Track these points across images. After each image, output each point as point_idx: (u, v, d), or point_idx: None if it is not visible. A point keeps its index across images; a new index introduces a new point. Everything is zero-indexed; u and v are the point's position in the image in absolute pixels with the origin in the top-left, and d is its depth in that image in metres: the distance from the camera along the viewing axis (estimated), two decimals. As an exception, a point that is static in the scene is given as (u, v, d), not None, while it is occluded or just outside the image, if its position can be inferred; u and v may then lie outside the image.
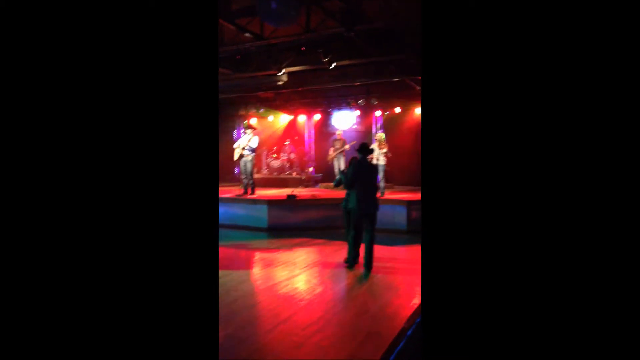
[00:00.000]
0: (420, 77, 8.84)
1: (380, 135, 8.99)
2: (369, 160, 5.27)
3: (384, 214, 6.98)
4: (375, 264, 5.12)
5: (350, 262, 5.11)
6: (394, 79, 9.16)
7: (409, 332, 3.17)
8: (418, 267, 5.01)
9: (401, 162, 10.58)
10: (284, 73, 8.34)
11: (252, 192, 8.55)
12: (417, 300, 3.87)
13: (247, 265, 5.38)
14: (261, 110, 12.85)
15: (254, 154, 8.49)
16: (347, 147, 10.19)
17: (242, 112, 13.01)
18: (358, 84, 10.13)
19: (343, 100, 11.86)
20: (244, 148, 8.36)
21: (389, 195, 8.55)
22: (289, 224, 7.77)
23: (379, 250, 5.51)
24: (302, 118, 13.19)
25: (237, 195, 8.36)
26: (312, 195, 8.84)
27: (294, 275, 4.83)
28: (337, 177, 5.60)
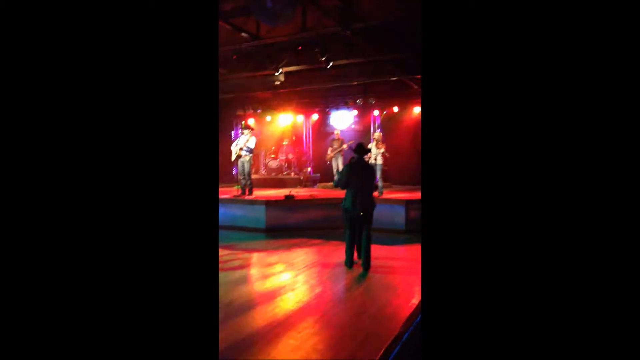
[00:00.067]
0: (418, 76, 8.83)
1: (378, 134, 8.96)
2: (366, 160, 5.24)
3: (382, 214, 6.97)
4: (373, 263, 5.09)
5: (348, 262, 5.07)
6: (392, 78, 9.14)
7: (408, 333, 3.13)
8: (417, 266, 5.02)
9: (399, 162, 10.56)
10: (281, 73, 8.31)
11: (250, 193, 8.50)
12: (415, 300, 3.84)
13: (244, 266, 5.33)
14: (259, 111, 12.81)
15: (251, 154, 8.45)
16: (345, 146, 10.16)
17: (239, 113, 12.98)
18: (356, 83, 10.11)
19: (341, 100, 11.83)
20: (241, 149, 8.32)
21: (387, 194, 8.52)
22: (287, 225, 7.73)
23: (378, 250, 5.47)
24: (300, 118, 13.15)
25: (234, 196, 8.31)
26: (311, 195, 8.80)
27: (292, 276, 4.79)
28: (336, 177, 5.57)
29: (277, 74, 8.27)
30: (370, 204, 5.04)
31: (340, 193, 5.24)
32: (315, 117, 12.93)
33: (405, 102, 11.36)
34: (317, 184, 11.77)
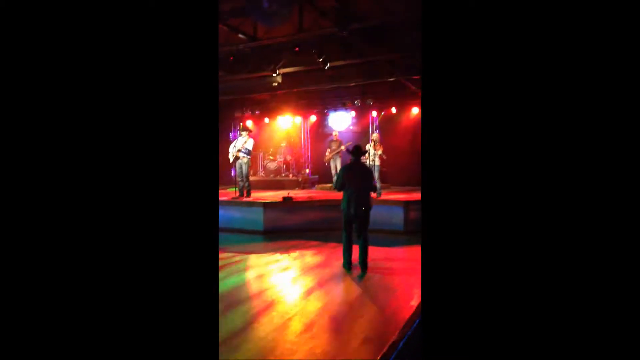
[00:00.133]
0: (416, 77, 8.80)
1: (376, 135, 8.93)
2: (363, 161, 5.21)
3: (381, 215, 6.94)
4: (372, 265, 5.06)
5: (346, 264, 5.03)
6: (390, 78, 9.11)
7: (406, 337, 3.09)
8: (416, 268, 4.99)
9: (398, 163, 10.52)
10: (278, 74, 8.28)
11: (248, 195, 8.46)
12: (414, 302, 3.80)
13: (241, 269, 5.29)
14: (257, 112, 12.78)
15: (249, 156, 8.41)
16: (343, 148, 10.12)
17: (237, 114, 12.94)
18: (353, 84, 10.08)
19: (339, 101, 11.80)
20: (239, 150, 8.27)
21: (385, 195, 8.48)
22: (286, 227, 7.68)
23: (376, 251, 5.44)
24: (298, 119, 13.12)
25: (232, 198, 8.26)
26: (309, 197, 8.76)
27: (289, 279, 4.75)
28: (334, 178, 5.55)
29: (274, 75, 8.23)
30: (367, 205, 5.01)
31: (339, 195, 5.21)
32: (313, 118, 12.89)
33: (403, 103, 11.33)
34: (316, 186, 11.73)
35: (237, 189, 8.47)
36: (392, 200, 7.84)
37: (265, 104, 12.73)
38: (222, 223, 7.60)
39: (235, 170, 8.65)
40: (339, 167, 9.92)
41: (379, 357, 2.78)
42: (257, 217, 7.68)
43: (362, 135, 11.72)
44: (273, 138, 13.24)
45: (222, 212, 7.81)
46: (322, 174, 12.07)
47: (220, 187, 10.58)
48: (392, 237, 6.96)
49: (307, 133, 13.32)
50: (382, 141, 8.93)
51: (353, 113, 12.12)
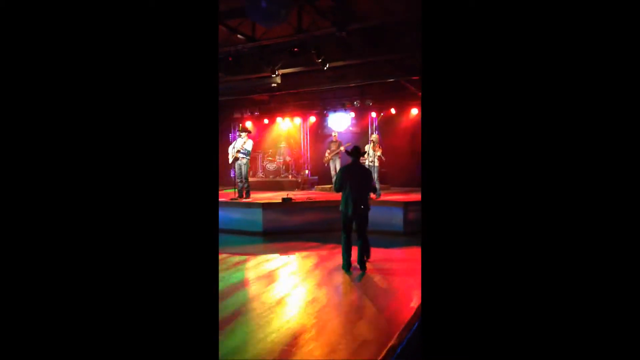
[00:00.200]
0: (415, 78, 8.78)
1: (375, 136, 8.90)
2: (362, 162, 5.19)
3: (380, 216, 6.91)
4: (371, 266, 5.03)
5: (345, 265, 5.00)
6: (389, 79, 9.09)
7: (406, 340, 3.06)
8: (415, 269, 4.96)
9: (397, 163, 10.50)
10: (277, 75, 8.25)
11: (247, 196, 8.43)
12: (414, 304, 3.77)
13: (240, 270, 5.26)
14: (256, 113, 12.75)
15: (248, 157, 8.38)
16: (342, 149, 10.09)
17: (236, 115, 12.93)
18: (353, 85, 10.07)
19: (338, 102, 11.79)
20: (238, 151, 8.25)
21: (385, 196, 8.45)
22: (285, 228, 7.65)
23: (376, 253, 5.41)
24: (297, 120, 13.10)
25: (231, 199, 8.24)
26: (308, 197, 8.73)
27: (287, 281, 4.72)
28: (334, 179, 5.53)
29: (273, 76, 8.21)
30: (366, 206, 4.98)
31: (338, 196, 5.19)
32: (312, 119, 12.87)
33: (402, 104, 11.31)
34: (315, 187, 11.70)
35: (236, 189, 8.44)
36: (391, 201, 7.81)
37: (265, 105, 12.71)
38: (221, 224, 7.52)
39: (235, 171, 8.63)
40: (338, 168, 9.89)
41: (379, 359, 2.76)
42: (256, 218, 7.65)
43: (362, 136, 11.70)
44: (272, 139, 13.22)
45: (221, 213, 7.77)
46: (321, 175, 12.05)
47: (219, 188, 10.57)
48: (391, 238, 6.93)
49: (307, 134, 13.30)
50: (382, 142, 8.90)
51: (352, 114, 12.10)
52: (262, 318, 3.51)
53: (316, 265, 5.36)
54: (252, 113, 12.82)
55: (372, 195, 5.20)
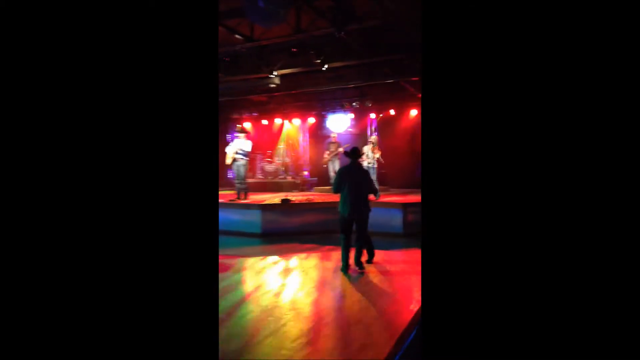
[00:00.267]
0: (414, 79, 8.75)
1: (374, 138, 8.87)
2: (360, 163, 5.15)
3: (379, 217, 6.86)
4: (370, 268, 5.00)
5: (344, 267, 4.96)
6: (388, 80, 9.06)
7: (406, 343, 3.02)
8: (415, 270, 4.92)
9: (396, 165, 10.47)
10: (276, 75, 8.22)
11: (246, 197, 8.39)
12: (414, 307, 3.72)
13: (237, 272, 5.21)
14: (254, 114, 12.72)
15: (247, 158, 8.33)
16: (341, 150, 10.06)
17: (235, 116, 12.89)
18: (352, 86, 10.04)
19: (337, 103, 11.77)
20: (237, 152, 8.20)
21: (384, 198, 8.41)
22: (284, 229, 7.61)
23: (375, 254, 5.37)
24: (296, 121, 13.06)
25: (230, 200, 8.19)
26: (307, 199, 8.69)
27: (285, 283, 4.67)
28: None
29: (271, 76, 8.18)
30: (366, 207, 4.94)
31: (338, 197, 5.14)
32: (311, 120, 12.83)
33: (401, 105, 11.29)
34: (314, 188, 11.66)
35: (235, 191, 8.40)
36: (390, 202, 7.77)
37: (263, 106, 12.68)
38: (219, 225, 7.50)
39: (233, 172, 8.58)
40: (337, 169, 9.85)
41: (377, 363, 2.71)
42: (255, 220, 7.61)
43: (361, 137, 11.68)
44: (271, 140, 13.18)
45: (220, 214, 7.71)
46: (320, 176, 12.01)
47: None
48: (391, 240, 6.89)
49: (306, 135, 13.26)
50: (381, 143, 8.87)
51: (352, 115, 12.07)
52: (258, 321, 3.46)
53: (315, 267, 5.30)
54: (250, 114, 12.79)
55: (372, 197, 5.14)
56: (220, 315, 3.53)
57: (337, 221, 5.21)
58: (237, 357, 2.82)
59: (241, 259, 5.77)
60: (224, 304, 3.87)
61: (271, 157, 12.62)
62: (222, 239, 7.36)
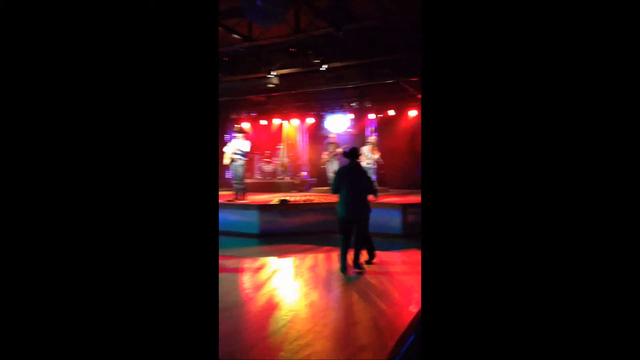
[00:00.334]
0: (414, 79, 8.73)
1: (373, 138, 8.86)
2: (359, 164, 5.13)
3: (379, 218, 6.84)
4: (370, 269, 4.97)
5: (343, 268, 4.94)
6: (388, 80, 9.05)
7: (406, 345, 2.99)
8: (414, 271, 4.90)
9: (396, 165, 10.46)
10: (274, 76, 8.20)
11: (244, 197, 8.36)
12: (413, 308, 3.70)
13: (235, 273, 5.18)
14: (253, 114, 12.70)
15: (245, 158, 8.30)
16: (340, 150, 10.04)
17: (233, 116, 12.86)
18: (351, 86, 10.02)
19: (336, 103, 11.75)
20: (235, 152, 8.17)
21: (383, 198, 8.39)
22: (282, 230, 7.58)
23: (375, 255, 5.35)
24: (295, 121, 13.04)
25: (227, 200, 8.16)
26: (306, 199, 8.66)
27: (283, 284, 4.65)
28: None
29: (270, 76, 8.16)
30: (365, 208, 4.92)
31: (336, 197, 5.12)
32: (310, 120, 12.81)
33: (401, 106, 11.28)
34: (313, 188, 11.64)
35: (233, 191, 8.37)
36: (390, 203, 7.75)
37: (262, 106, 12.66)
38: (217, 226, 7.50)
39: (231, 173, 8.55)
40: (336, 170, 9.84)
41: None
42: (253, 220, 7.58)
43: (360, 138, 11.66)
44: (269, 140, 13.15)
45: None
46: (319, 177, 12.00)
47: (216, 190, 10.48)
48: (390, 241, 6.87)
49: (305, 135, 13.24)
50: (380, 144, 8.86)
51: (351, 115, 12.05)
52: (255, 323, 3.44)
53: (313, 268, 5.28)
54: (249, 114, 12.76)
55: (371, 197, 5.12)
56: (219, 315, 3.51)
57: (335, 222, 5.19)
58: (236, 359, 2.79)
59: (239, 260, 5.75)
60: (222, 305, 3.84)
61: (270, 157, 12.59)
62: (220, 239, 7.32)
